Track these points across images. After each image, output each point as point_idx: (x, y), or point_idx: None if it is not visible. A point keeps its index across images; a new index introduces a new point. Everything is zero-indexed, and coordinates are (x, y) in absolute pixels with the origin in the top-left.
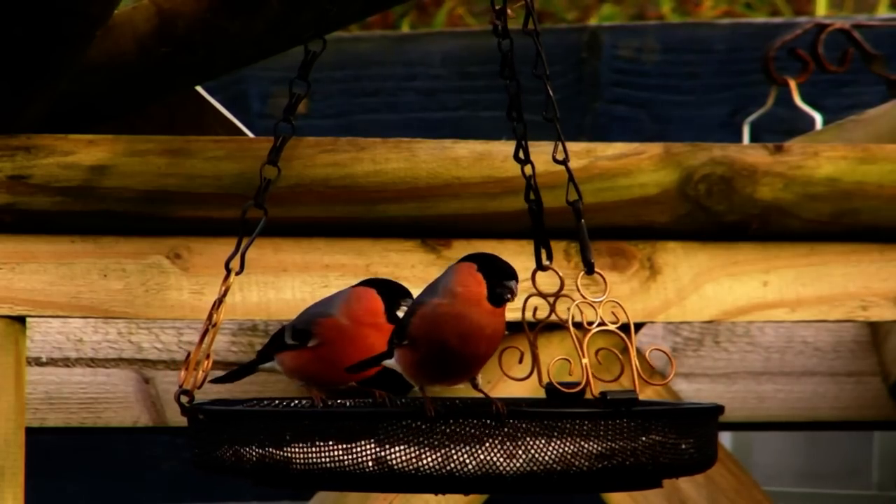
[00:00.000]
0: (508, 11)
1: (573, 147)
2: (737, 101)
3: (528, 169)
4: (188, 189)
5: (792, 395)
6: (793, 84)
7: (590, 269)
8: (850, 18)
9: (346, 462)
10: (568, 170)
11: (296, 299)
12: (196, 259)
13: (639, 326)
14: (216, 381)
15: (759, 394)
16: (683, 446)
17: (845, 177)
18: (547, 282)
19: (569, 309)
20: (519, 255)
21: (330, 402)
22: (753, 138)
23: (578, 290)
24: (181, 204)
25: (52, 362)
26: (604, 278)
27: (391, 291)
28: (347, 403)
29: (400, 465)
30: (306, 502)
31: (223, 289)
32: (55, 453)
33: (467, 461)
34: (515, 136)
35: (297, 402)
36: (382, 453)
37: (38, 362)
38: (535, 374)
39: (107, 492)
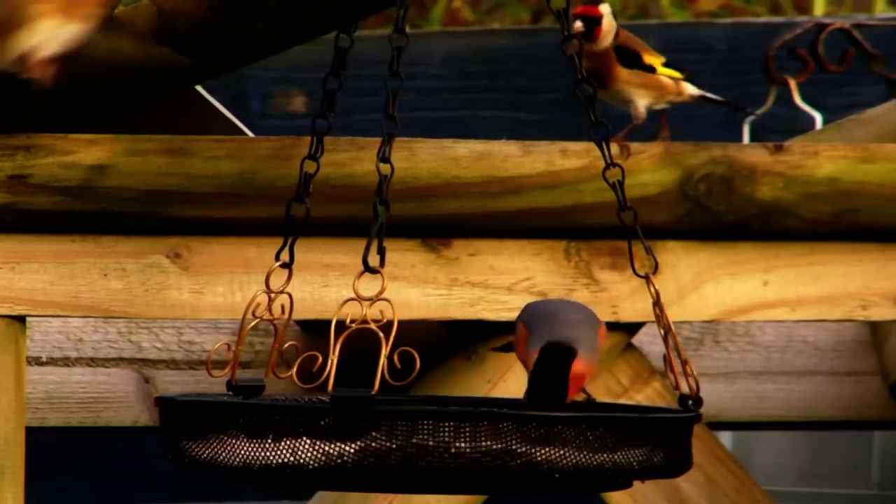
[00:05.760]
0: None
1: (572, 147)
2: (737, 100)
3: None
4: (188, 188)
5: (792, 395)
6: (793, 83)
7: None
8: (851, 18)
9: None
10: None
11: (295, 299)
12: (196, 258)
13: (638, 326)
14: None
15: (759, 393)
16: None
17: (845, 176)
18: (553, 282)
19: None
20: (519, 255)
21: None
22: (753, 138)
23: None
24: (181, 203)
25: (52, 362)
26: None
27: None
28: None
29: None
30: (306, 502)
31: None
32: (55, 453)
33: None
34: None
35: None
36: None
37: (38, 362)
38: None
39: (106, 491)
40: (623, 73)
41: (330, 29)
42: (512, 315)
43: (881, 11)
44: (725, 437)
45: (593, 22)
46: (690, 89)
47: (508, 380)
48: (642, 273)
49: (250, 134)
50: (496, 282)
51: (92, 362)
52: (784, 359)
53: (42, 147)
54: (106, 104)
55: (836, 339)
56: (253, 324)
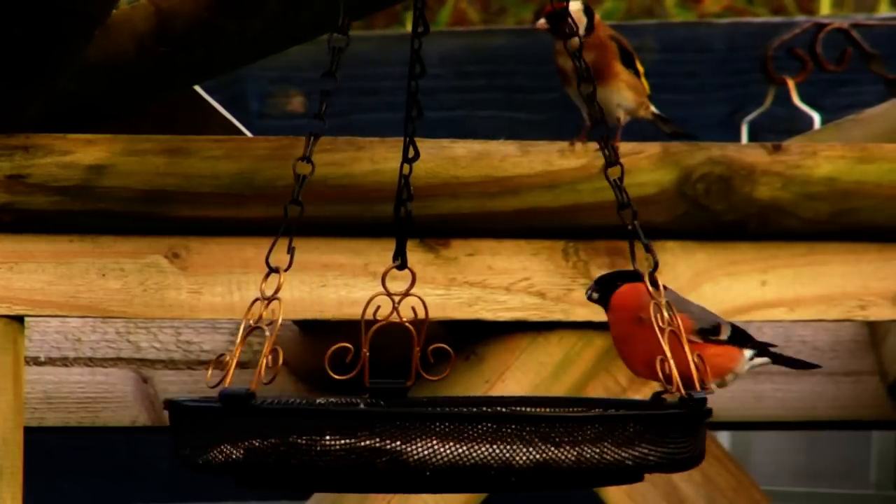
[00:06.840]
0: None
1: (570, 146)
2: (735, 100)
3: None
4: (186, 188)
5: (790, 395)
6: (791, 83)
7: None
8: (849, 18)
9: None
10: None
11: (293, 298)
12: (194, 258)
13: None
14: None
15: (757, 393)
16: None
17: (843, 176)
18: (551, 281)
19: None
20: (517, 255)
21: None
22: (752, 138)
23: None
24: (179, 203)
25: (51, 362)
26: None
27: None
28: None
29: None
30: (304, 502)
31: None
32: (54, 453)
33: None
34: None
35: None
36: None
37: (36, 362)
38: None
39: (105, 491)
40: (623, 72)
41: (328, 29)
42: (510, 315)
43: (884, 12)
44: (723, 437)
45: (560, 18)
46: (652, 107)
47: (507, 379)
48: (643, 271)
49: (249, 134)
50: (494, 282)
51: (90, 362)
52: None
53: (40, 147)
54: (104, 104)
55: (834, 339)
56: (250, 332)
